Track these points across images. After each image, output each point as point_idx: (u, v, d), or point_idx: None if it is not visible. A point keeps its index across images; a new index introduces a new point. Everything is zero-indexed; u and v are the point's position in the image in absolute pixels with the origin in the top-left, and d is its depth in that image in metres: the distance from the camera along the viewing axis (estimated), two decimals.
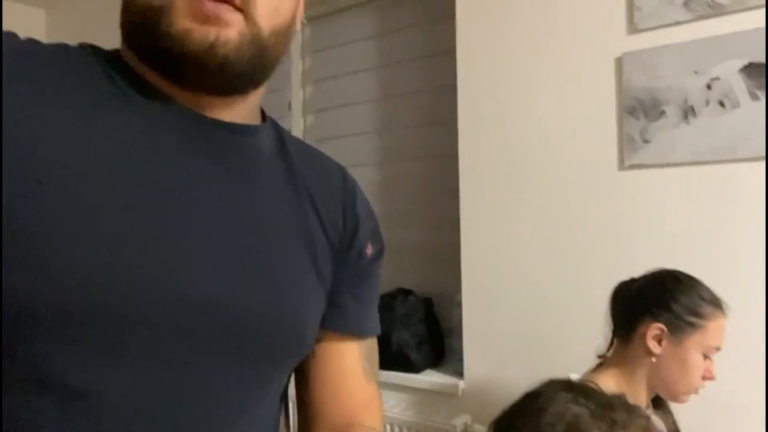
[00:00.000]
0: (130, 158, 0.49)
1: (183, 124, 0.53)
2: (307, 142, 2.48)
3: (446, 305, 2.03)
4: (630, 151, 1.53)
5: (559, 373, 1.22)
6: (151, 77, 0.53)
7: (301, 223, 0.59)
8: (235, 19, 0.50)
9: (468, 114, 1.81)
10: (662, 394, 1.19)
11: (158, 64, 0.52)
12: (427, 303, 2.04)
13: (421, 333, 1.96)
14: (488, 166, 1.78)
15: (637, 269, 1.25)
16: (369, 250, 0.65)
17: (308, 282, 0.58)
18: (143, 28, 0.51)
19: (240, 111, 0.57)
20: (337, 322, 0.62)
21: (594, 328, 1.29)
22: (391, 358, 1.87)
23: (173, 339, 0.48)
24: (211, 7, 0.49)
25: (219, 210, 0.52)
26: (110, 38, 0.59)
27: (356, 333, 0.64)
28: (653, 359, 1.14)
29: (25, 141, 0.45)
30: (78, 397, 0.45)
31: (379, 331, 0.68)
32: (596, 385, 1.14)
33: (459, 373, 1.85)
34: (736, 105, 1.39)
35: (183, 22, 0.49)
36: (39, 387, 0.44)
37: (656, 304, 1.16)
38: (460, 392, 1.83)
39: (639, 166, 1.52)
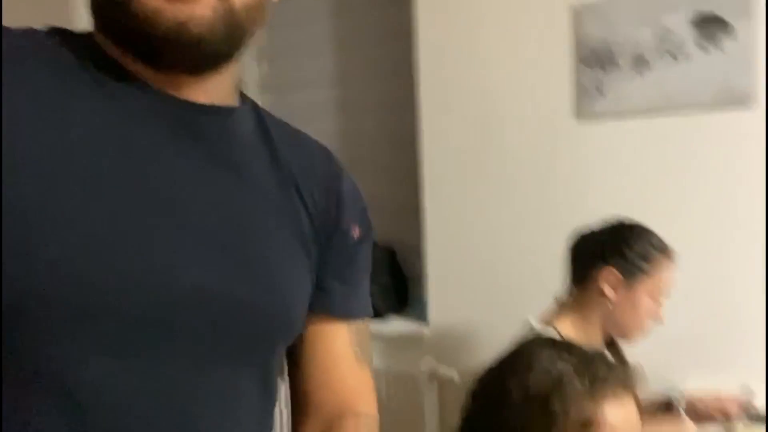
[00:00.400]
0: (108, 148, 0.48)
1: (159, 109, 0.52)
2: (263, 92, 2.37)
3: (409, 254, 2.09)
4: (585, 101, 1.57)
5: (518, 317, 1.30)
6: (124, 59, 0.52)
7: (287, 206, 0.58)
8: None
9: (427, 64, 1.81)
10: (614, 335, 1.28)
11: (129, 44, 0.51)
12: (391, 253, 2.09)
13: (386, 282, 2.02)
14: (448, 116, 1.80)
15: (593, 217, 1.32)
16: (355, 233, 0.64)
17: (296, 266, 0.58)
18: (112, 9, 0.49)
19: (215, 88, 0.56)
20: (324, 306, 0.62)
21: (552, 275, 1.36)
22: None
23: (161, 329, 0.48)
24: None
25: (201, 195, 0.52)
26: None
27: (343, 316, 0.64)
28: (607, 303, 1.22)
29: None
30: (58, 394, 0.45)
31: (370, 313, 0.67)
32: (555, 329, 1.22)
33: (423, 319, 1.94)
34: (686, 57, 1.43)
35: (152, 1, 0.48)
36: (20, 381, 0.45)
37: (611, 251, 1.23)
38: (425, 337, 1.91)
39: (594, 117, 1.58)
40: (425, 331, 1.92)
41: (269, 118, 0.63)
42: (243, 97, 0.61)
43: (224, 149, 0.56)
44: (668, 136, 1.50)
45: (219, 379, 0.52)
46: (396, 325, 1.97)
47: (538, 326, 1.25)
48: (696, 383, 1.48)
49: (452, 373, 1.86)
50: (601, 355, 0.83)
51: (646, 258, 1.20)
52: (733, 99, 1.40)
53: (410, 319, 2.00)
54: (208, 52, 0.51)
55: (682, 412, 1.32)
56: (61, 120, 0.47)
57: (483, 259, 1.82)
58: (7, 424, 0.44)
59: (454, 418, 1.91)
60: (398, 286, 2.08)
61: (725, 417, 1.28)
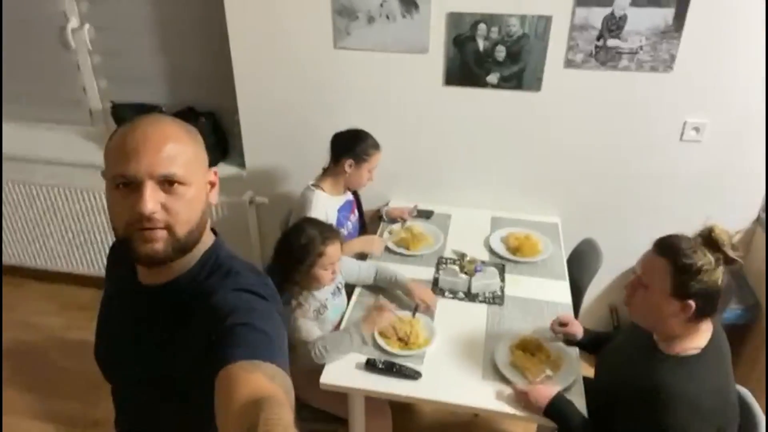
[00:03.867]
0: (110, 318, 1.16)
1: (130, 296, 1.10)
2: None
3: (227, 116, 2.90)
4: (339, 38, 2.48)
5: (307, 169, 2.37)
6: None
7: (179, 336, 0.99)
8: (161, 236, 0.91)
9: None
10: (351, 188, 2.45)
11: (133, 258, 0.96)
12: (212, 116, 2.90)
13: (212, 140, 2.87)
14: (252, 24, 2.53)
15: (347, 120, 2.37)
16: (227, 323, 0.89)
17: (180, 364, 0.98)
18: (125, 248, 0.95)
19: (175, 267, 1.00)
20: (221, 362, 0.83)
21: (326, 148, 2.39)
22: None
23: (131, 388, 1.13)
24: (148, 234, 0.91)
25: (140, 343, 1.06)
26: None
27: (230, 362, 0.82)
28: (347, 174, 2.35)
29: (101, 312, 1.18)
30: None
31: (249, 357, 0.83)
32: (321, 186, 2.33)
33: (242, 164, 2.89)
34: (395, 19, 2.40)
35: (138, 245, 0.92)
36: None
37: (349, 147, 2.32)
38: (244, 177, 2.89)
39: (345, 48, 2.51)
40: (243, 173, 2.89)
41: (213, 267, 1.04)
42: (206, 252, 1.05)
43: (149, 313, 1.04)
44: (387, 66, 2.50)
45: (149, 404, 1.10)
46: (223, 170, 2.87)
47: (312, 185, 2.35)
48: (396, 202, 2.78)
49: (264, 200, 2.94)
50: (330, 226, 1.94)
51: (366, 152, 2.32)
52: (418, 48, 2.45)
53: (233, 165, 2.93)
54: (165, 262, 0.96)
55: (385, 218, 2.62)
56: (107, 305, 1.18)
57: (277, 118, 2.72)
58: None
59: (267, 228, 3.22)
60: (221, 142, 2.95)
61: (402, 219, 2.60)
